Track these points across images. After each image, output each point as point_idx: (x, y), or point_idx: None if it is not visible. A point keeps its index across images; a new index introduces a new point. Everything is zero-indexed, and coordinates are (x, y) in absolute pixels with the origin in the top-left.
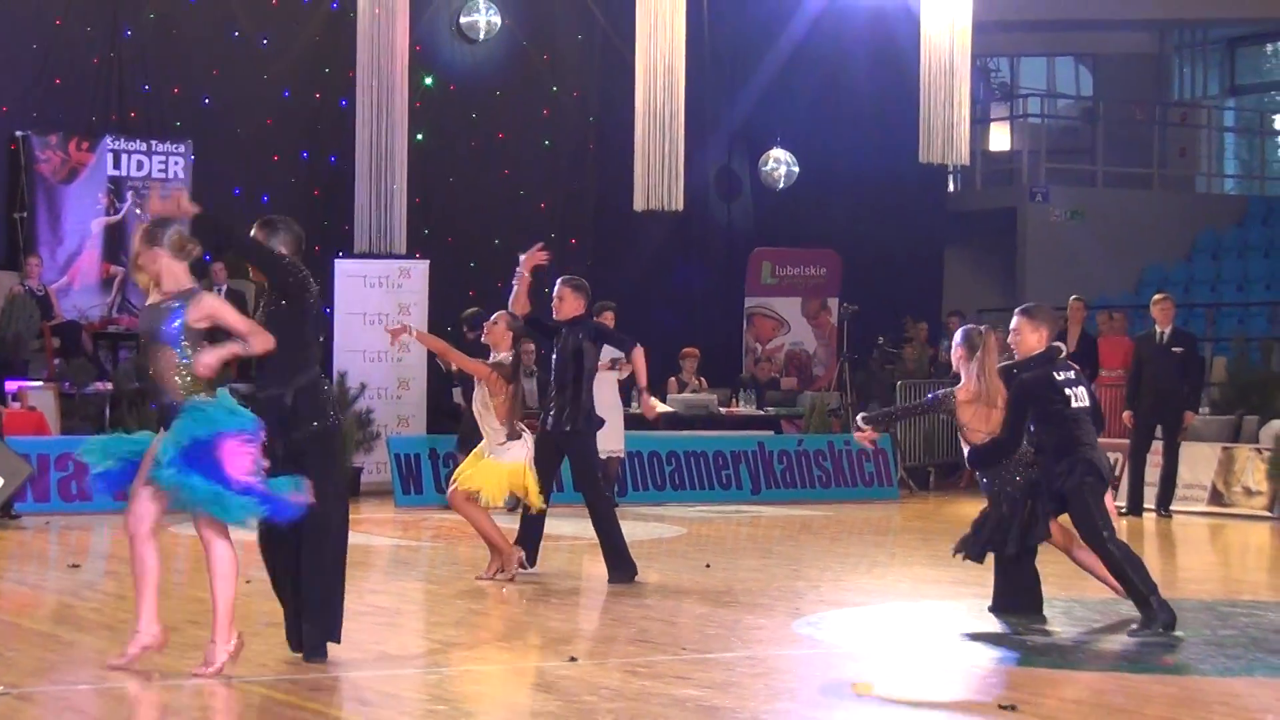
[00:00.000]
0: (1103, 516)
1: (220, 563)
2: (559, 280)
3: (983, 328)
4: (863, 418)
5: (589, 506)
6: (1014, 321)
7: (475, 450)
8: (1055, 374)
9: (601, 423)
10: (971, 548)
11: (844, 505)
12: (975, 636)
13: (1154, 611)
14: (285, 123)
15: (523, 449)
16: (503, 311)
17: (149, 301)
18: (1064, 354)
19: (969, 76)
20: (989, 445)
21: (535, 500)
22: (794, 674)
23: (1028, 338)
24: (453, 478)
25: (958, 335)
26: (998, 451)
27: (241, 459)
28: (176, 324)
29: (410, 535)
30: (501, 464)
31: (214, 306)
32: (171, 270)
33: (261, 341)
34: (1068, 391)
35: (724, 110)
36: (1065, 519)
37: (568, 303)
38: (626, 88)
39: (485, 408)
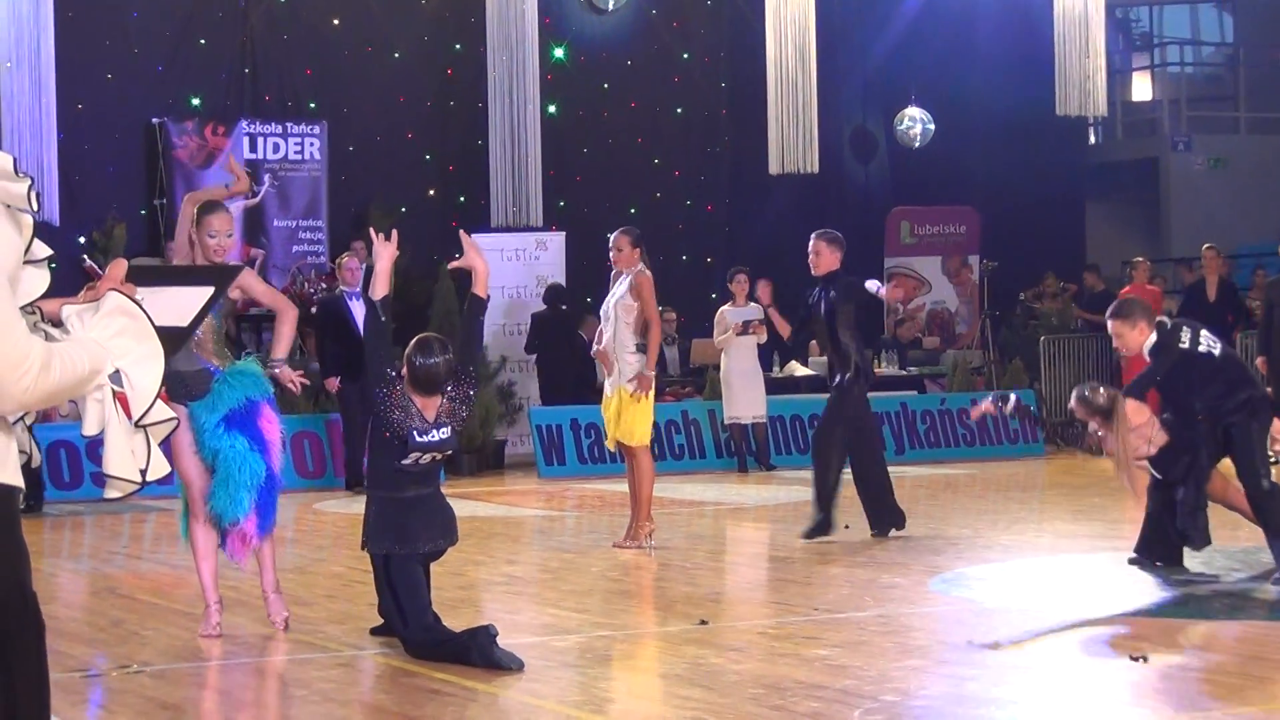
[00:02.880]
0: (1264, 458)
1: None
2: (814, 235)
3: (1104, 393)
4: (1011, 405)
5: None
6: (1110, 327)
7: (605, 398)
8: (1182, 345)
9: (874, 380)
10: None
11: (989, 463)
12: (1113, 589)
13: None
14: (418, 100)
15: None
16: (619, 232)
17: None
18: (1170, 323)
19: (1104, 27)
20: (1168, 450)
21: (632, 438)
22: (926, 631)
23: (1131, 338)
24: (610, 436)
25: (1077, 404)
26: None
27: (275, 425)
28: None
29: (553, 505)
30: (640, 402)
31: (246, 278)
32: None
33: (292, 313)
34: (1202, 349)
35: (856, 70)
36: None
37: (824, 257)
38: (757, 51)
39: (627, 311)
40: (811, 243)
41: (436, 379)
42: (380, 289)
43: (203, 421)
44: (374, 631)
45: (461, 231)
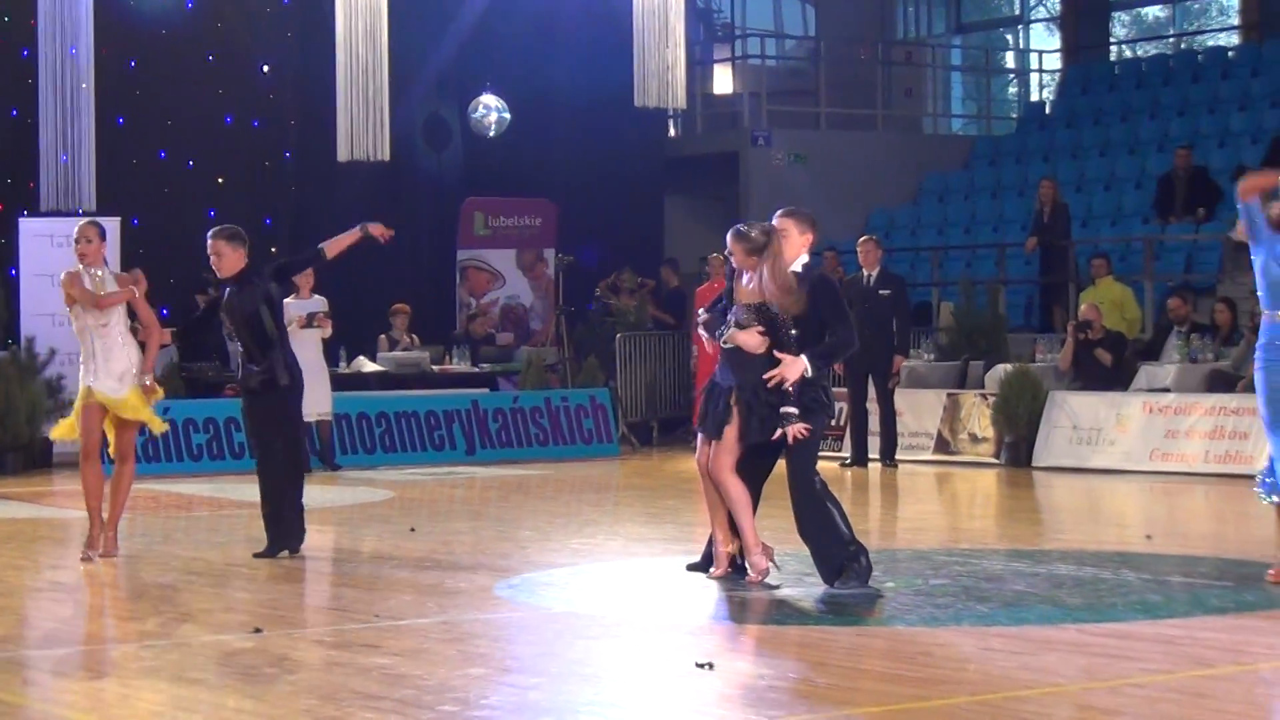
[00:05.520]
0: (815, 460)
1: None
2: (210, 234)
3: (758, 228)
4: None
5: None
6: (777, 223)
7: None
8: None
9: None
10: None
11: (563, 464)
12: (681, 594)
13: (859, 567)
14: None
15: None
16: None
17: None
18: None
19: (684, 16)
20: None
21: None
22: (489, 639)
23: (793, 251)
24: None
25: (734, 240)
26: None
27: None
28: None
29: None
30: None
31: None
32: None
33: None
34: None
35: (430, 55)
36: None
37: (226, 258)
38: (327, 33)
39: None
40: (210, 243)
41: None
42: None
43: None
44: None
45: None
